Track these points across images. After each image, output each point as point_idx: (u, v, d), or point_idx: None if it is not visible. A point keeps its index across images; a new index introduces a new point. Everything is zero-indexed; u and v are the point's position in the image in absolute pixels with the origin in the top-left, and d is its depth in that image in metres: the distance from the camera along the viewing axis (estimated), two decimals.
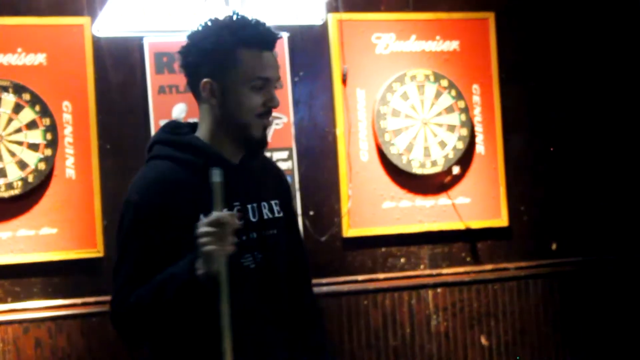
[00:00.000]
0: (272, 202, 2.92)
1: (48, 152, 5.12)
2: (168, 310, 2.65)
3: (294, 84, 5.52)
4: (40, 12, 5.20)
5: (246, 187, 2.84)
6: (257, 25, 2.78)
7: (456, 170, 5.73)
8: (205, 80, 2.75)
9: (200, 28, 2.81)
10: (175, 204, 2.71)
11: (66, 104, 5.20)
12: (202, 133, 2.84)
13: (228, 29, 2.75)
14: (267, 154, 5.38)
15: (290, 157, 5.47)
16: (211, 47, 2.74)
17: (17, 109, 5.09)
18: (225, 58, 2.74)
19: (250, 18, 2.80)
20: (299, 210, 5.42)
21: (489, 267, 5.84)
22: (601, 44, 6.09)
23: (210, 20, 2.81)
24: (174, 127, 2.90)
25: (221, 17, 2.80)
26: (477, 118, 5.82)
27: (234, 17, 2.79)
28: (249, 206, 2.82)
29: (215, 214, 2.58)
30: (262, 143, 2.82)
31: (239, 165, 2.83)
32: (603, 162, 6.06)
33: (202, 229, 2.57)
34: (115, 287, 2.72)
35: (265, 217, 2.87)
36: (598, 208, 6.04)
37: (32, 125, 5.11)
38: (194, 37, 2.80)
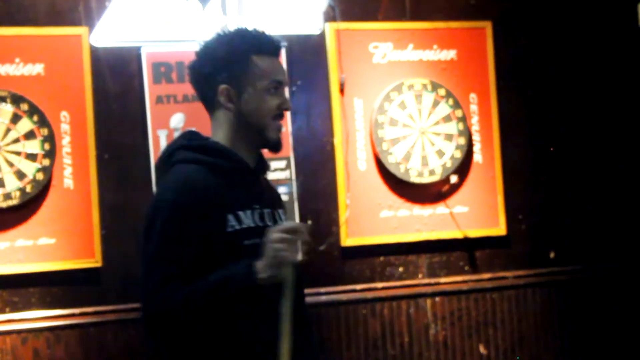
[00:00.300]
0: (279, 210, 3.03)
1: (46, 162, 5.12)
2: (221, 311, 2.70)
3: (291, 93, 5.52)
4: (38, 23, 5.20)
5: (262, 192, 2.96)
6: (264, 33, 2.93)
7: (454, 179, 5.73)
8: (223, 86, 2.87)
9: (210, 40, 2.93)
10: (206, 204, 2.77)
11: (64, 114, 5.20)
12: (219, 139, 2.94)
13: (239, 37, 2.90)
14: None
15: (288, 166, 5.47)
16: (226, 55, 2.87)
17: (15, 119, 5.09)
18: (240, 64, 2.87)
19: (255, 27, 2.94)
20: (297, 219, 5.42)
21: (487, 275, 5.84)
22: (599, 52, 6.10)
23: (220, 31, 2.93)
24: (192, 135, 3.00)
25: (228, 29, 2.94)
26: (475, 127, 5.82)
27: (241, 27, 2.95)
28: (266, 211, 2.91)
29: (291, 222, 2.75)
30: (278, 145, 2.96)
31: (255, 171, 2.97)
32: (601, 169, 6.07)
33: (277, 234, 2.67)
34: (150, 285, 2.70)
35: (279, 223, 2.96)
36: (596, 216, 6.05)
37: (30, 135, 5.11)
38: (206, 49, 2.92)
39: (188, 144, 2.91)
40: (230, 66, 2.87)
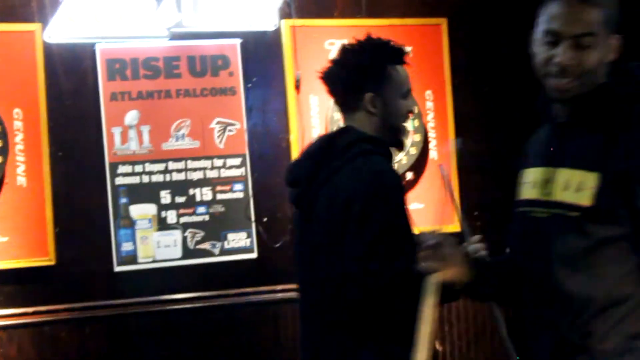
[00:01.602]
0: None
1: None
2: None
3: (247, 90, 5.51)
4: None
5: None
6: (397, 45, 3.24)
7: (410, 175, 5.75)
8: (369, 94, 3.17)
9: (349, 49, 3.23)
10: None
11: (17, 111, 5.15)
12: None
13: (377, 48, 3.22)
14: (221, 161, 5.39)
15: (243, 164, 5.45)
16: (369, 65, 3.18)
17: None
18: (380, 73, 3.19)
19: (385, 39, 3.25)
20: (252, 217, 5.41)
21: None
22: None
23: (357, 41, 3.24)
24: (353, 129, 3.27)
25: (363, 40, 3.24)
26: (431, 124, 5.84)
27: (376, 39, 3.24)
28: None
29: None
30: (405, 144, 3.40)
31: None
32: None
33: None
34: (395, 263, 3.02)
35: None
36: None
37: None
38: (348, 58, 3.22)
39: (365, 137, 3.17)
40: (374, 75, 3.18)
